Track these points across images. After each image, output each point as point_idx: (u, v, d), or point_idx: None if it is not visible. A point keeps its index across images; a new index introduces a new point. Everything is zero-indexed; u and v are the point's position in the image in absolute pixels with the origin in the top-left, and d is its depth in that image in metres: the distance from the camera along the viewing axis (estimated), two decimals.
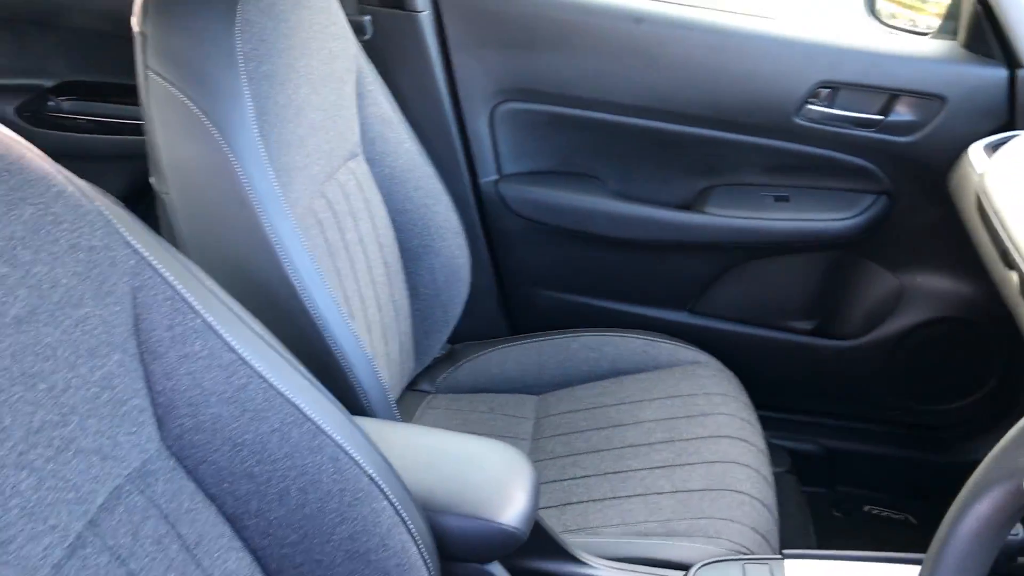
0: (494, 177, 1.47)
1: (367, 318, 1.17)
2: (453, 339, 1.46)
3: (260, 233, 0.91)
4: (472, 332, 1.50)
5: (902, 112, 1.31)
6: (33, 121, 1.51)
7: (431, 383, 1.42)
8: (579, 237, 1.48)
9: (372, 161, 1.25)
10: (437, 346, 1.40)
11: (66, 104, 1.50)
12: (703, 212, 1.43)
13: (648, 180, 1.46)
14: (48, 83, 1.50)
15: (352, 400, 0.98)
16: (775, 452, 1.38)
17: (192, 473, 0.64)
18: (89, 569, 0.54)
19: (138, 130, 0.97)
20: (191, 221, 0.92)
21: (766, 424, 1.32)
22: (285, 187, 0.97)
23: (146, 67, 0.91)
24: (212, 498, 0.65)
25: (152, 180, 0.94)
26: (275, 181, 0.94)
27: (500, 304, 1.56)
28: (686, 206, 1.45)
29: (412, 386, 1.41)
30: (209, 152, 0.89)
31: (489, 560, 0.83)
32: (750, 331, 1.52)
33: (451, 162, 1.42)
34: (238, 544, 0.66)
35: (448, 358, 1.46)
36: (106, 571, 0.55)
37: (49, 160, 0.59)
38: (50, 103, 1.50)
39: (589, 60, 1.36)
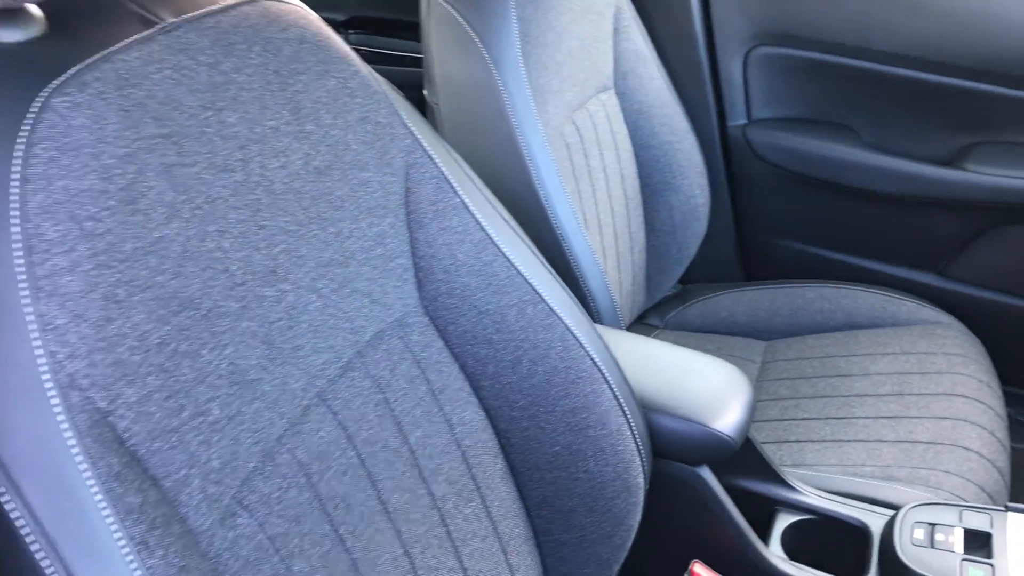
0: (743, 121, 1.47)
1: (603, 244, 1.23)
2: (685, 279, 1.49)
3: (514, 144, 0.99)
4: (705, 274, 1.52)
5: None
6: None
7: (660, 319, 1.46)
8: (826, 187, 1.45)
9: (622, 95, 1.30)
10: (669, 284, 1.43)
11: (353, 37, 1.66)
12: (964, 169, 1.36)
13: (905, 133, 1.41)
14: (340, 17, 1.67)
15: (583, 307, 1.05)
16: (1018, 428, 1.31)
17: (442, 332, 0.73)
18: (355, 389, 0.64)
19: (416, 63, 1.08)
20: (455, 128, 1.02)
21: (1011, 401, 1.25)
22: (540, 107, 1.04)
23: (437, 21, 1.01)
24: (456, 356, 0.74)
25: (425, 91, 1.05)
26: (531, 100, 1.01)
27: (736, 249, 1.57)
28: (945, 162, 1.38)
29: (641, 319, 1.46)
30: (476, 67, 0.98)
31: (699, 463, 0.87)
32: (1005, 300, 1.43)
33: (700, 104, 1.44)
34: (475, 400, 0.75)
35: (678, 297, 1.49)
36: (368, 394, 0.65)
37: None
38: (339, 35, 1.67)
39: (851, 4, 1.33)
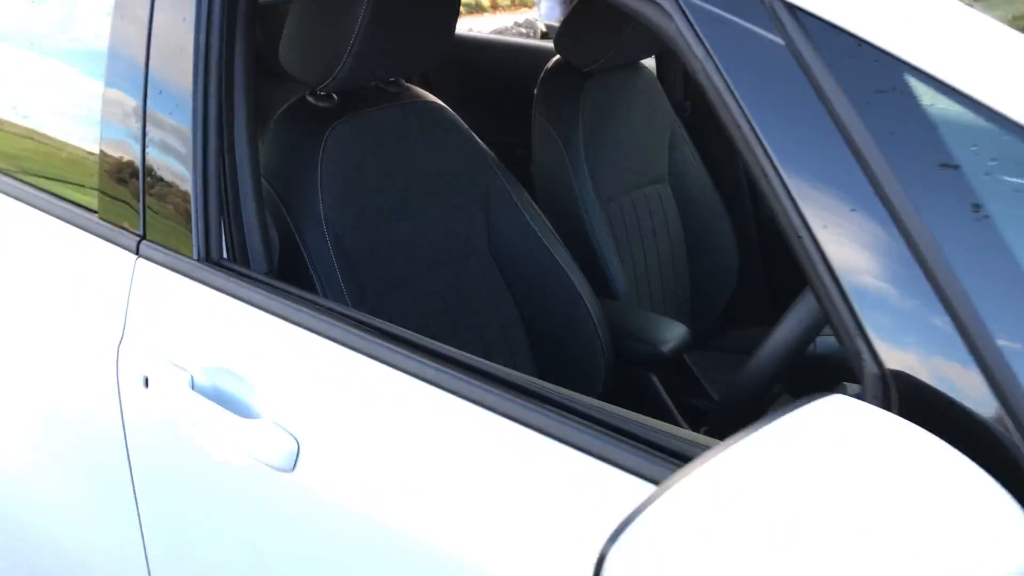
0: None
1: (638, 275, 1.89)
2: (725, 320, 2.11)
3: (573, 200, 1.72)
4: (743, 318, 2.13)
5: None
6: None
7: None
8: None
9: (674, 187, 1.99)
10: (709, 318, 2.06)
11: None
12: None
13: None
14: None
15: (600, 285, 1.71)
16: None
17: (501, 270, 1.47)
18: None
19: None
20: (541, 185, 1.77)
21: None
22: (596, 182, 1.76)
23: (536, 115, 1.79)
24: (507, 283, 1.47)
25: (532, 168, 1.81)
26: (588, 176, 1.74)
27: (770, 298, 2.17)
28: None
29: None
30: (554, 154, 1.74)
31: (649, 370, 1.53)
32: None
33: (738, 198, 2.10)
34: (511, 300, 1.47)
35: (718, 330, 2.11)
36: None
37: None
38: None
39: None
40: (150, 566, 1.15)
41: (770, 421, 0.60)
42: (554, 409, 0.80)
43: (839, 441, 0.59)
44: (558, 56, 1.83)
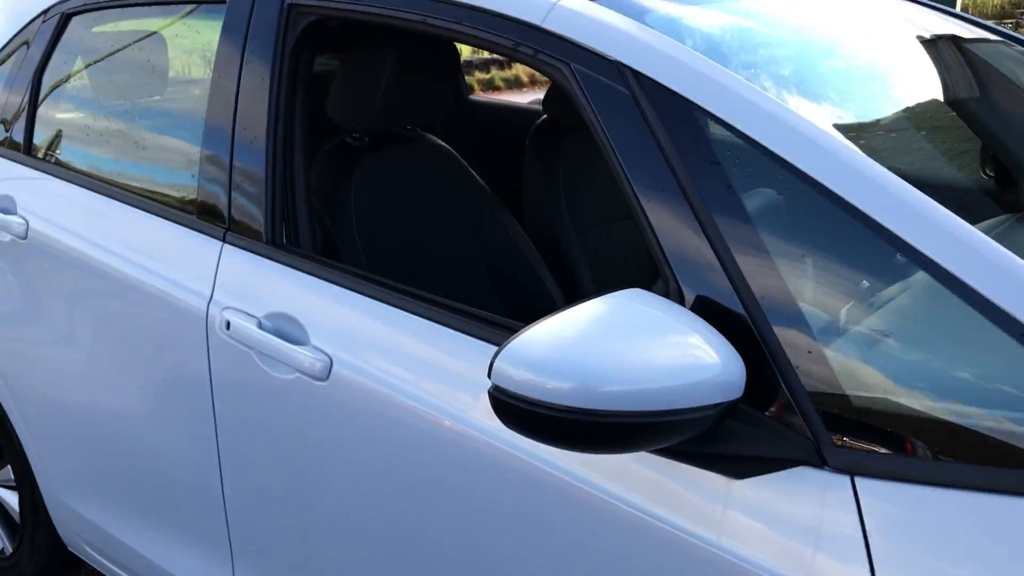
0: None
1: None
2: None
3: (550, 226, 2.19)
4: None
5: None
6: None
7: None
8: None
9: None
10: None
11: None
12: None
13: None
14: None
15: None
16: None
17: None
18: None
19: None
20: (530, 212, 2.24)
21: None
22: (574, 214, 2.22)
23: (527, 159, 2.27)
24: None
25: (523, 203, 2.29)
26: (566, 209, 2.21)
27: None
28: None
29: None
30: (540, 195, 2.21)
31: None
32: None
33: None
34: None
35: None
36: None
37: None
38: None
39: None
40: (221, 459, 1.61)
41: (595, 297, 1.06)
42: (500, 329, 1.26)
43: (632, 302, 1.05)
44: (545, 115, 2.32)
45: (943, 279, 0.99)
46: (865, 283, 1.09)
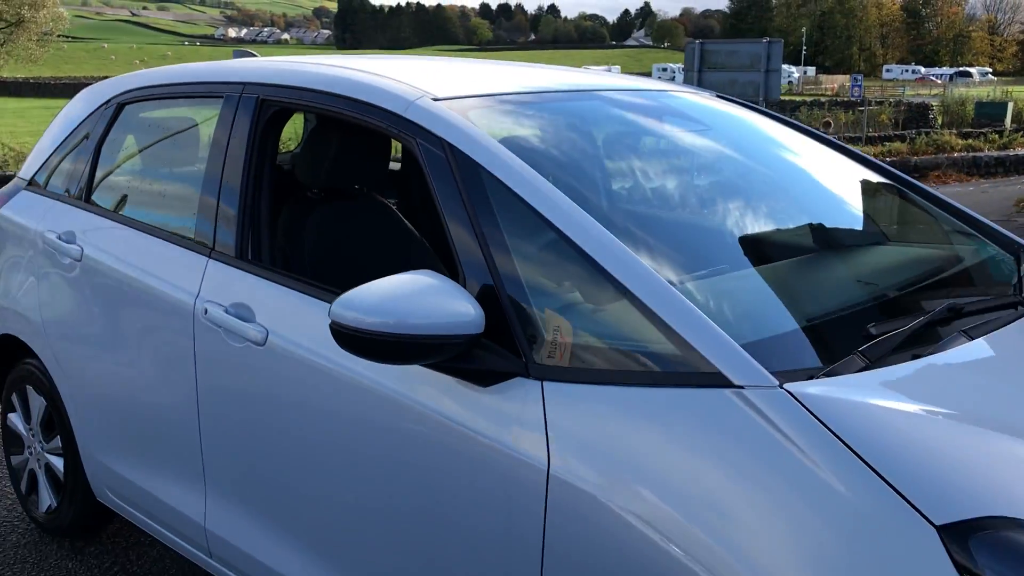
0: None
1: None
2: None
3: None
4: None
5: None
6: None
7: None
8: None
9: None
10: None
11: None
12: None
13: None
14: None
15: None
16: None
17: None
18: None
19: None
20: None
21: None
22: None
23: None
24: None
25: None
26: None
27: None
28: None
29: None
30: None
31: None
32: None
33: None
34: None
35: None
36: None
37: None
38: None
39: None
40: (199, 410, 2.33)
41: (403, 273, 1.77)
42: None
43: (425, 275, 1.74)
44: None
45: (600, 271, 1.67)
46: (567, 282, 1.77)
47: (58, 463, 3.05)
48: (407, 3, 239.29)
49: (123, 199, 2.83)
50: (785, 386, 1.46)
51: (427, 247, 2.72)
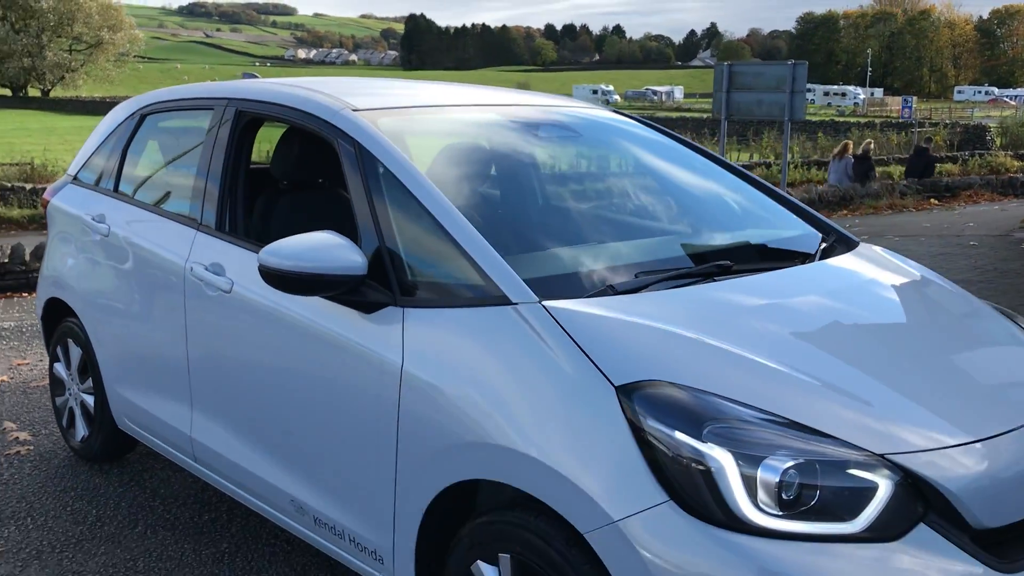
0: None
1: None
2: None
3: None
4: None
5: None
6: None
7: None
8: None
9: None
10: None
11: None
12: None
13: None
14: None
15: None
16: None
17: None
18: None
19: None
20: None
21: None
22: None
23: None
24: None
25: None
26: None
27: None
28: None
29: None
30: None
31: None
32: None
33: None
34: None
35: None
36: None
37: None
38: None
39: None
40: (187, 345, 3.07)
41: (315, 231, 2.48)
42: None
43: (330, 234, 2.46)
44: None
45: (446, 234, 2.35)
46: (425, 242, 2.45)
47: (90, 400, 3.84)
48: (472, 24, 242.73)
49: (140, 188, 3.61)
50: (543, 303, 2.13)
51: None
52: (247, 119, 3.11)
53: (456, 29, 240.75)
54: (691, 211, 3.10)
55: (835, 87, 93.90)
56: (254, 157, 3.43)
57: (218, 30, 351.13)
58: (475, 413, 2.12)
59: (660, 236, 2.79)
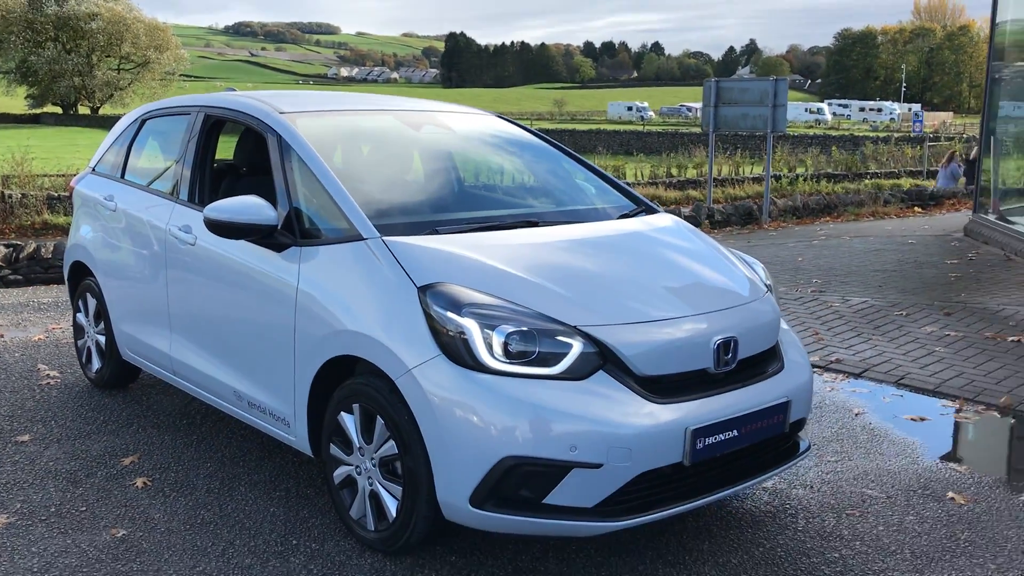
0: None
1: None
2: None
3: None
4: None
5: None
6: None
7: None
8: None
9: None
10: None
11: None
12: None
13: None
14: None
15: None
16: None
17: None
18: None
19: None
20: None
21: None
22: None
23: None
24: None
25: None
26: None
27: None
28: None
29: None
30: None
31: None
32: None
33: None
34: None
35: None
36: None
37: None
38: None
39: None
40: (167, 286, 4.18)
41: (245, 196, 3.58)
42: None
43: (255, 198, 3.55)
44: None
45: (329, 196, 3.43)
46: (315, 201, 3.52)
47: (102, 340, 4.97)
48: (512, 42, 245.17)
49: (139, 174, 4.75)
50: (383, 238, 3.20)
51: None
52: (212, 121, 4.23)
53: (495, 47, 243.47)
54: (532, 189, 4.16)
55: (871, 103, 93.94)
56: (225, 155, 4.55)
57: (263, 49, 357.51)
58: (339, 311, 3.19)
59: (496, 205, 3.86)
